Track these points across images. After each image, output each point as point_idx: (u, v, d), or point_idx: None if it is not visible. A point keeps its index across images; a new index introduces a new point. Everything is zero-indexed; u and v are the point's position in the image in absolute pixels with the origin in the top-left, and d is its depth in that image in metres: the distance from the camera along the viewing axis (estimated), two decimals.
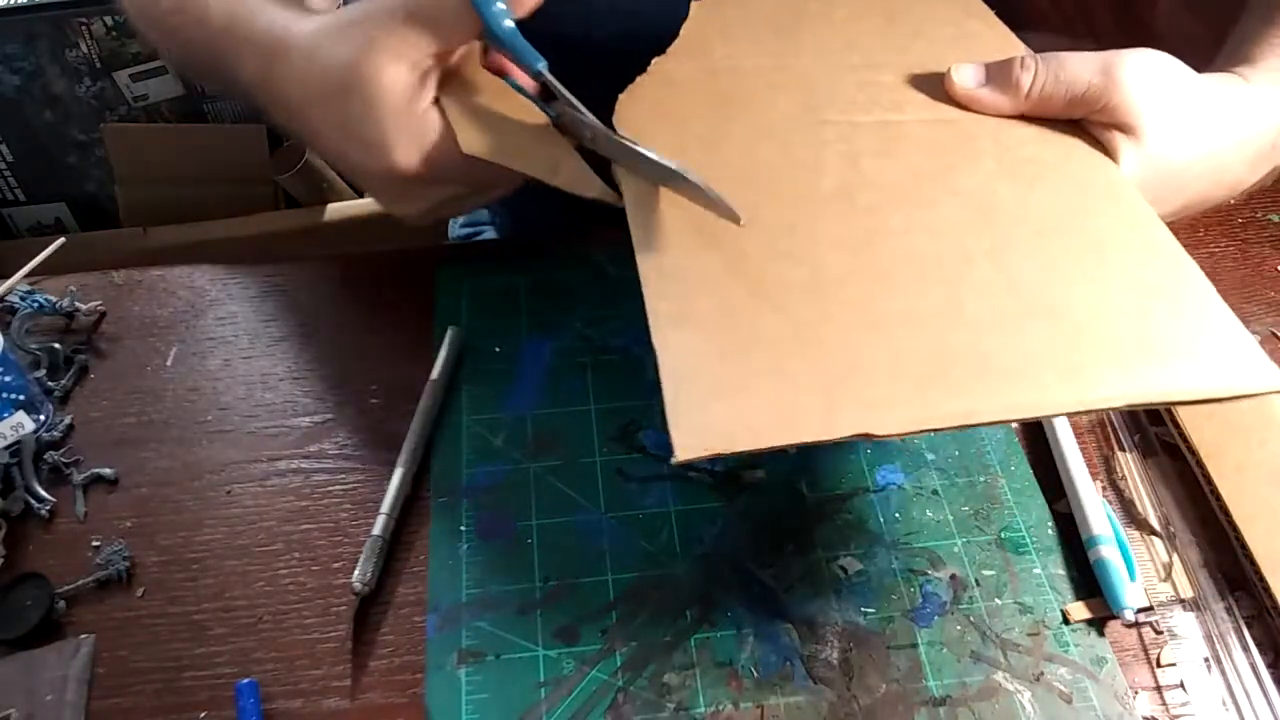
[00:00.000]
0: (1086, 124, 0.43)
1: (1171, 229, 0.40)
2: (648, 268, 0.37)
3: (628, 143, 0.39)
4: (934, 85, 0.44)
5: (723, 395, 0.33)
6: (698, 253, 0.38)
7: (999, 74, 0.43)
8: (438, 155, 0.42)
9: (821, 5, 0.50)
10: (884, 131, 0.43)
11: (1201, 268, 0.62)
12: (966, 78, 0.43)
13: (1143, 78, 0.41)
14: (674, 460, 0.31)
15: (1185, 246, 0.65)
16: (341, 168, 0.45)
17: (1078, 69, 0.41)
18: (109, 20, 1.26)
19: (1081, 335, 0.35)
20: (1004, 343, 0.35)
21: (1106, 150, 0.42)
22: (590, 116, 0.41)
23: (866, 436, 0.32)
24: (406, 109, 0.40)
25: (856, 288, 0.36)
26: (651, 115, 0.43)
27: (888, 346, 0.34)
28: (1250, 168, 0.46)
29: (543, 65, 0.41)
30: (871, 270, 0.37)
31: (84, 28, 1.26)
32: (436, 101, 0.42)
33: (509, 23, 0.40)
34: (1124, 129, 0.41)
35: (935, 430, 0.33)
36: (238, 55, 0.44)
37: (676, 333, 0.35)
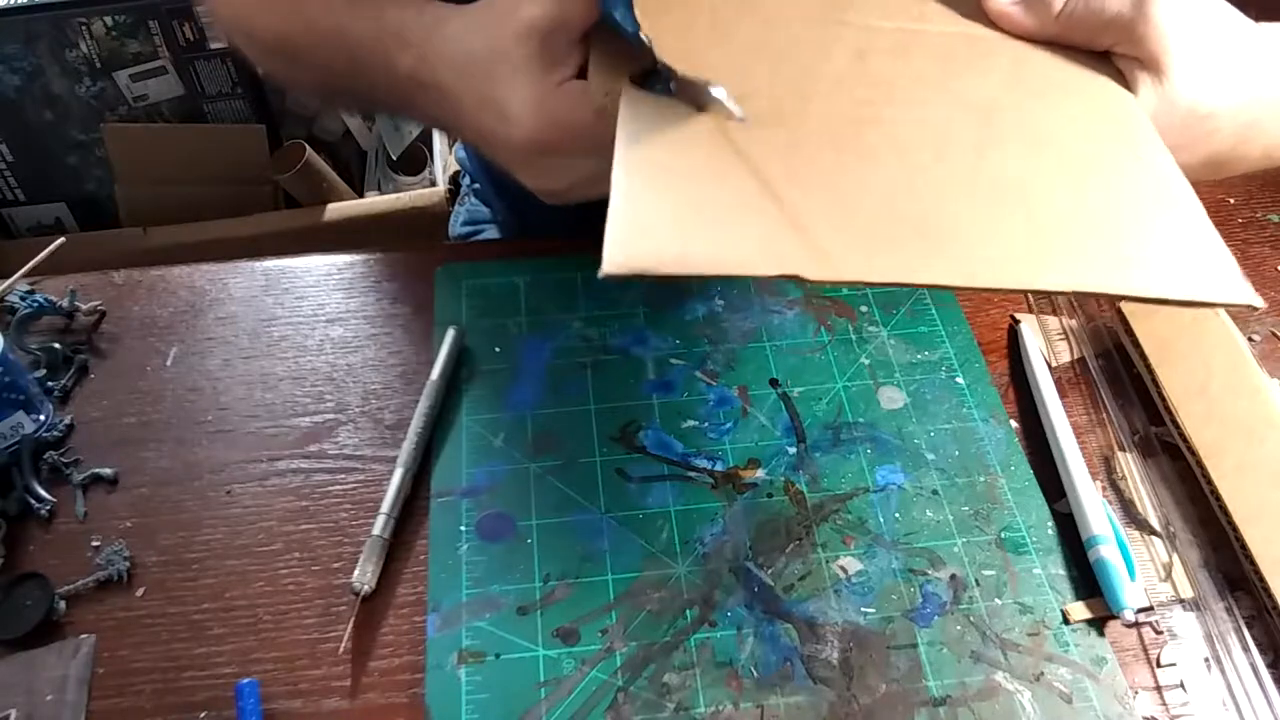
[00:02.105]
0: (1113, 56, 0.42)
1: None
2: (624, 132, 0.37)
3: (687, 76, 0.40)
4: (967, 3, 0.44)
5: (665, 224, 0.33)
6: (679, 121, 0.38)
7: None
8: (569, 125, 0.42)
9: None
10: (901, 37, 0.42)
11: None
12: None
13: (1177, 15, 0.39)
14: (601, 273, 0.31)
15: None
16: (481, 144, 0.46)
17: None
18: (109, 20, 1.26)
19: (1046, 225, 0.35)
20: (966, 221, 0.35)
21: (1129, 85, 0.41)
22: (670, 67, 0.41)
23: (795, 278, 0.32)
24: (540, 80, 0.42)
25: (831, 159, 0.36)
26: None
27: (843, 209, 0.34)
28: None
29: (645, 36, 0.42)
30: (851, 149, 0.37)
31: (84, 28, 1.26)
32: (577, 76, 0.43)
33: None
34: (1148, 64, 0.40)
35: (868, 284, 0.33)
36: (392, 53, 0.47)
37: (638, 164, 0.35)
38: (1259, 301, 0.34)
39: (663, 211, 0.33)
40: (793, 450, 0.53)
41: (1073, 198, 0.36)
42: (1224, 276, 0.34)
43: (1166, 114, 0.40)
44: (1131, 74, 0.41)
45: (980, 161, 0.37)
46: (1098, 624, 0.47)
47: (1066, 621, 0.47)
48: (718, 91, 0.37)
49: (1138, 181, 0.37)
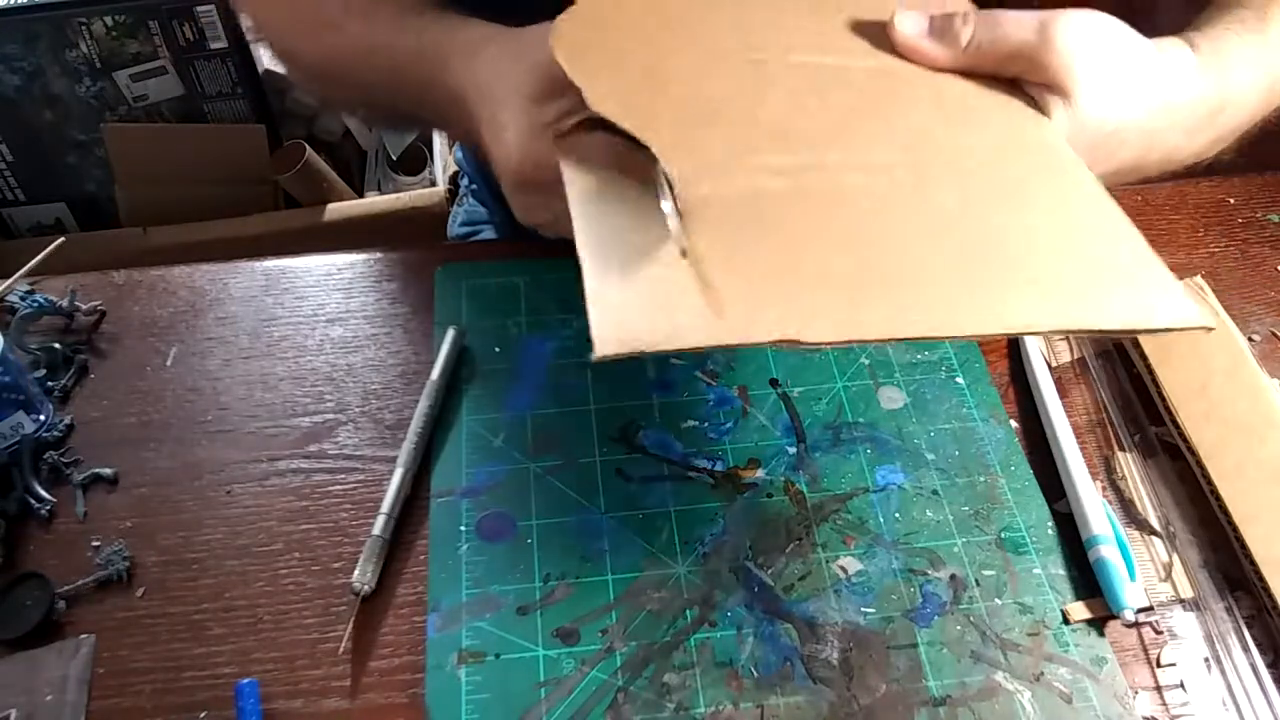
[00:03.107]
0: (1021, 82, 0.43)
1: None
2: (578, 211, 0.37)
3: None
4: (876, 35, 0.44)
5: (647, 293, 0.33)
6: (628, 180, 0.38)
7: (940, 25, 0.43)
8: (552, 165, 0.42)
9: None
10: (821, 74, 0.43)
11: (1201, 268, 0.62)
12: (909, 26, 0.43)
13: (1078, 39, 0.41)
14: (593, 357, 0.31)
15: (1185, 247, 0.65)
16: (493, 169, 0.47)
17: (1013, 27, 0.42)
18: (109, 20, 1.26)
19: (1007, 263, 0.36)
20: (932, 266, 0.35)
21: (1039, 109, 0.42)
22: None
23: (793, 344, 0.32)
24: (537, 115, 0.42)
25: (788, 212, 0.37)
26: (590, 41, 0.42)
27: (816, 264, 0.35)
28: (1186, 136, 0.46)
29: None
30: (804, 199, 0.37)
31: (84, 28, 1.26)
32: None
33: None
34: (1056, 90, 0.41)
35: (861, 342, 0.34)
36: (433, 70, 0.47)
37: (600, 230, 0.35)
38: (1210, 322, 0.35)
39: (640, 281, 0.34)
40: (793, 450, 0.53)
41: (1022, 234, 0.37)
42: (1173, 300, 0.36)
43: (1077, 134, 0.42)
44: (1041, 99, 0.42)
45: (922, 202, 0.38)
46: (1098, 624, 0.46)
47: (1066, 621, 0.47)
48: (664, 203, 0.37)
49: (1072, 211, 0.39)
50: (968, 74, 0.43)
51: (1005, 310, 0.34)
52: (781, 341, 0.32)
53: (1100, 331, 0.36)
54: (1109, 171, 0.44)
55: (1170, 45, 0.46)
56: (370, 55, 0.51)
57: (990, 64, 0.43)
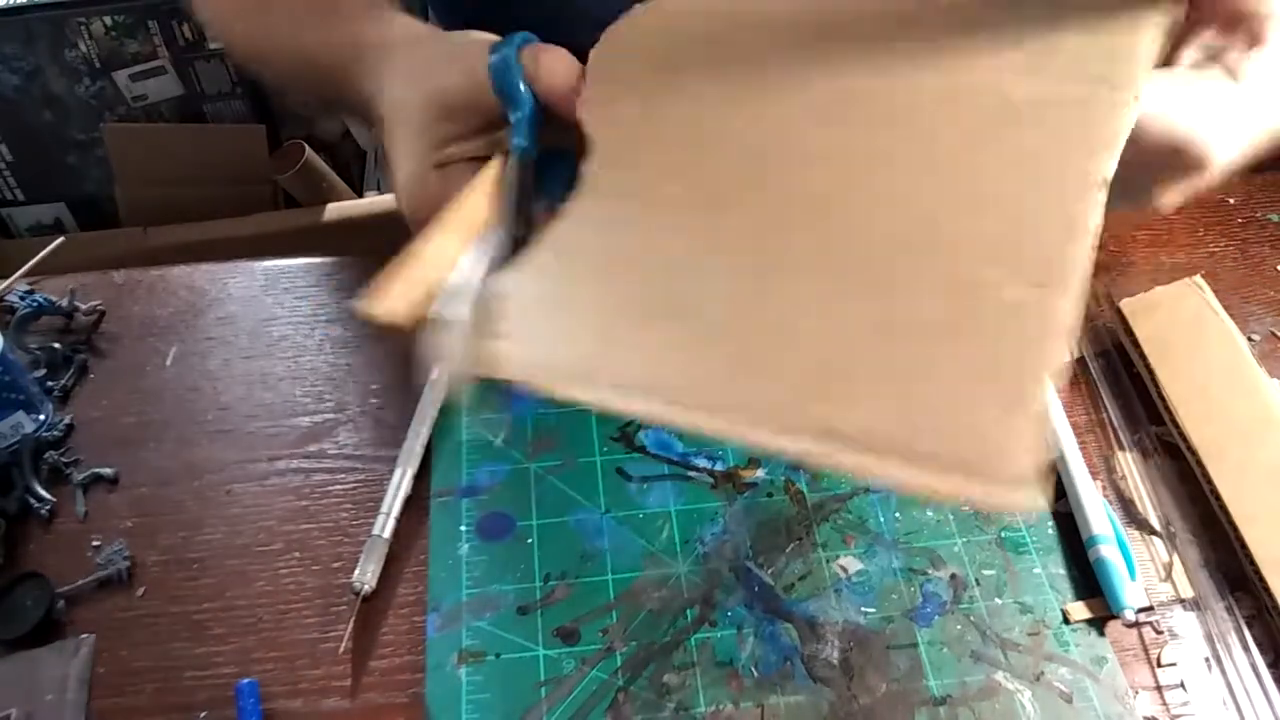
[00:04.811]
0: (1189, 45, 0.34)
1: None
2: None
3: None
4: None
5: (553, 333, 0.34)
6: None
7: None
8: (440, 207, 0.39)
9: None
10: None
11: (1201, 268, 0.62)
12: None
13: None
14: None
15: (1185, 247, 0.65)
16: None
17: None
18: (108, 20, 1.26)
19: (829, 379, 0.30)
20: (764, 374, 0.31)
21: (1225, 69, 0.33)
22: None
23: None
24: (425, 155, 0.40)
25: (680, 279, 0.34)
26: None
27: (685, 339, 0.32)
28: None
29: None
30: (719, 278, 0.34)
31: (83, 28, 1.26)
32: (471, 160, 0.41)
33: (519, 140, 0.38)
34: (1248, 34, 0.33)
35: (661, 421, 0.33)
36: (353, 75, 0.44)
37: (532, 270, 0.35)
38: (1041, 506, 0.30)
39: (552, 321, 0.34)
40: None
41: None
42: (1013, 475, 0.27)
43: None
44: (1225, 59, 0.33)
45: (842, 297, 0.31)
46: (1098, 624, 0.46)
47: (1067, 621, 0.47)
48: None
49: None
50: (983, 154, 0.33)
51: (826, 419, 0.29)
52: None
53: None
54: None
55: None
56: (293, 51, 0.48)
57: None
